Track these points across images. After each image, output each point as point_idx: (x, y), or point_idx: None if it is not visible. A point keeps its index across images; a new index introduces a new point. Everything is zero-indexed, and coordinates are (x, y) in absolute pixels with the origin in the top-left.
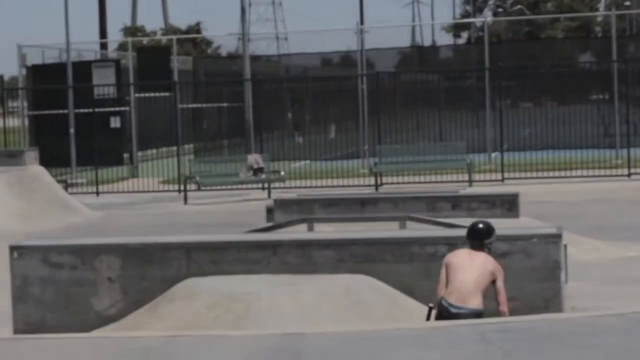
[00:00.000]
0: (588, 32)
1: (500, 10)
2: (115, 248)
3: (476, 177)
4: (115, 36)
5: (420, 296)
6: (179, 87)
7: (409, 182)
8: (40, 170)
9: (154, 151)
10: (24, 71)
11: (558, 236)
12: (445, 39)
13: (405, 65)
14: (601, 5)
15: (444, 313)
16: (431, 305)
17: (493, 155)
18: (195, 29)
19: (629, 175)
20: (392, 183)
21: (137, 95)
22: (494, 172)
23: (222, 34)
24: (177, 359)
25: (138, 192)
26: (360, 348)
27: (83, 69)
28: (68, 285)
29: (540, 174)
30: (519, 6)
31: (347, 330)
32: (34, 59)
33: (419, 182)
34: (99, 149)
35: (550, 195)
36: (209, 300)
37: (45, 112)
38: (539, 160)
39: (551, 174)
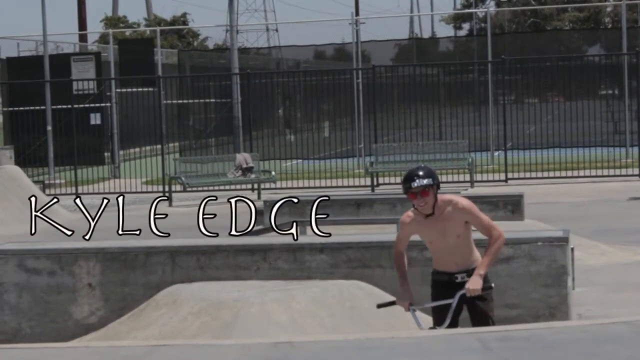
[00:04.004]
0: (597, 23)
1: None
2: (95, 252)
3: (478, 177)
4: (95, 27)
5: (417, 303)
6: (164, 81)
7: None
8: (16, 170)
9: (137, 150)
10: None
11: (564, 239)
12: (445, 31)
13: (403, 58)
14: None
15: None
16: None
17: (496, 154)
18: (181, 20)
19: None
20: (389, 184)
21: (118, 90)
22: (497, 172)
23: (209, 25)
24: None
25: (120, 193)
26: (354, 357)
27: (61, 62)
28: (45, 292)
29: (545, 174)
30: None
31: (340, 338)
32: (9, 51)
33: None
34: (78, 147)
35: (556, 196)
36: (195, 308)
37: (21, 108)
38: (545, 159)
39: (557, 173)
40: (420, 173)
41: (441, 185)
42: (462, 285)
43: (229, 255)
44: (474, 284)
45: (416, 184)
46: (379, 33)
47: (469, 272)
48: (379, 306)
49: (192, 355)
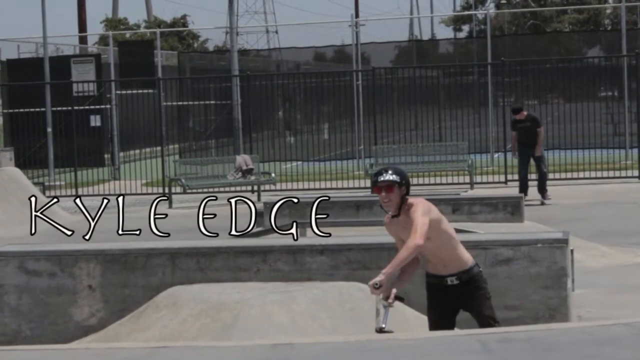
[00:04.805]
0: (597, 25)
1: (503, 1)
2: (95, 254)
3: (478, 178)
4: (95, 29)
5: (417, 304)
6: (164, 83)
7: None
8: (16, 172)
9: (137, 152)
10: None
11: (564, 241)
12: (445, 33)
13: (402, 60)
14: None
15: None
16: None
17: (496, 155)
18: (181, 22)
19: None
20: None
21: (118, 92)
22: (496, 174)
23: (209, 27)
24: None
25: (120, 194)
26: (355, 359)
27: (61, 64)
28: (46, 294)
29: None
30: None
31: (341, 340)
32: (9, 53)
33: (418, 185)
34: (78, 149)
35: (556, 198)
36: (195, 309)
37: (21, 110)
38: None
39: (557, 175)
40: (390, 170)
41: (440, 186)
42: (452, 288)
43: (229, 257)
44: (370, 280)
45: (382, 177)
46: (378, 35)
47: (459, 275)
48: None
49: (192, 357)
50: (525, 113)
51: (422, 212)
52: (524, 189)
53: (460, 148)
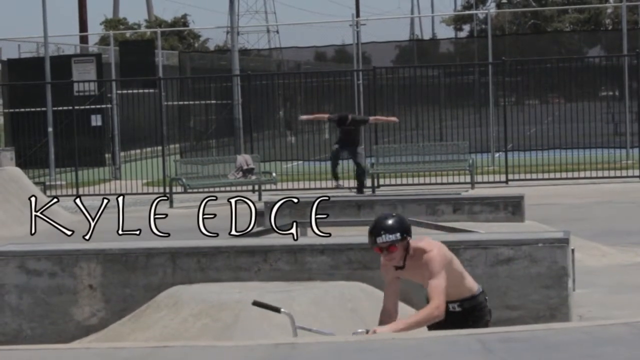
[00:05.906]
0: (597, 25)
1: (504, 1)
2: (96, 254)
3: (479, 178)
4: (96, 29)
5: (418, 305)
6: (164, 83)
7: (407, 184)
8: (17, 171)
9: (138, 151)
10: None
11: (565, 241)
12: (446, 32)
13: (403, 59)
14: None
15: None
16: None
17: (497, 155)
18: (182, 21)
19: None
20: (389, 185)
21: (119, 91)
22: (497, 173)
23: (209, 27)
24: None
25: (121, 194)
26: (355, 359)
27: (62, 63)
28: (46, 294)
29: (546, 175)
30: None
31: (341, 340)
32: (10, 53)
33: (419, 184)
34: (79, 149)
35: (557, 198)
36: (195, 309)
37: (22, 109)
38: (545, 160)
39: (558, 175)
40: (388, 225)
41: (441, 186)
42: (454, 314)
43: (229, 257)
44: (379, 329)
45: (381, 239)
46: (379, 34)
47: (461, 302)
48: (255, 303)
49: (193, 356)
50: (350, 118)
51: (440, 265)
52: (335, 177)
53: (461, 147)
